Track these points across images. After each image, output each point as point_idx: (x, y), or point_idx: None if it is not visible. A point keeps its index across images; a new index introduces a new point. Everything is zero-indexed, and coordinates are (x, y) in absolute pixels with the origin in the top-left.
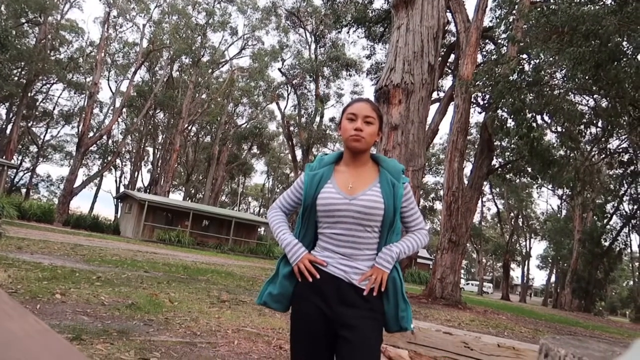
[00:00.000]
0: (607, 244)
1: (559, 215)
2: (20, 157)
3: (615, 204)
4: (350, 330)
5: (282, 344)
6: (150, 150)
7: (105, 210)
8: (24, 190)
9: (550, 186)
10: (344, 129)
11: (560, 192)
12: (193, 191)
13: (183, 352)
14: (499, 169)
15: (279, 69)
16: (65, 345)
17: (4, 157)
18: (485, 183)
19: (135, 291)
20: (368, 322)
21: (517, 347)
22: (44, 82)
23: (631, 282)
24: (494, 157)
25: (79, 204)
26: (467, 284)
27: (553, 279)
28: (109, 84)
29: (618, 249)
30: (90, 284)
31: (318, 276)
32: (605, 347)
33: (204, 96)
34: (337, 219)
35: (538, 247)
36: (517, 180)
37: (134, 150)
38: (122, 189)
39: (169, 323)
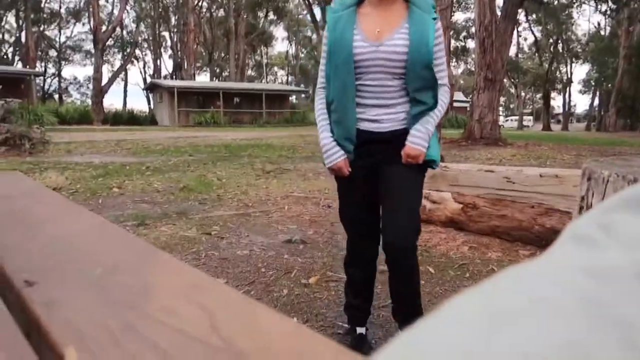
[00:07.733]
0: None
1: (602, 33)
2: (42, 64)
3: None
4: (389, 166)
5: (330, 203)
6: (167, 34)
7: (138, 102)
8: (56, 96)
9: (592, 1)
10: None
11: (604, 7)
12: (218, 70)
13: (240, 222)
14: None
15: None
16: (121, 233)
17: (27, 67)
18: (520, 11)
19: (185, 175)
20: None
21: (560, 174)
22: None
23: None
24: None
25: (112, 101)
26: (507, 120)
27: (596, 102)
28: None
29: None
30: (141, 174)
31: (347, 172)
32: None
33: None
34: (364, 69)
35: (580, 71)
36: (555, 2)
37: (151, 38)
38: (148, 79)
39: (221, 199)
